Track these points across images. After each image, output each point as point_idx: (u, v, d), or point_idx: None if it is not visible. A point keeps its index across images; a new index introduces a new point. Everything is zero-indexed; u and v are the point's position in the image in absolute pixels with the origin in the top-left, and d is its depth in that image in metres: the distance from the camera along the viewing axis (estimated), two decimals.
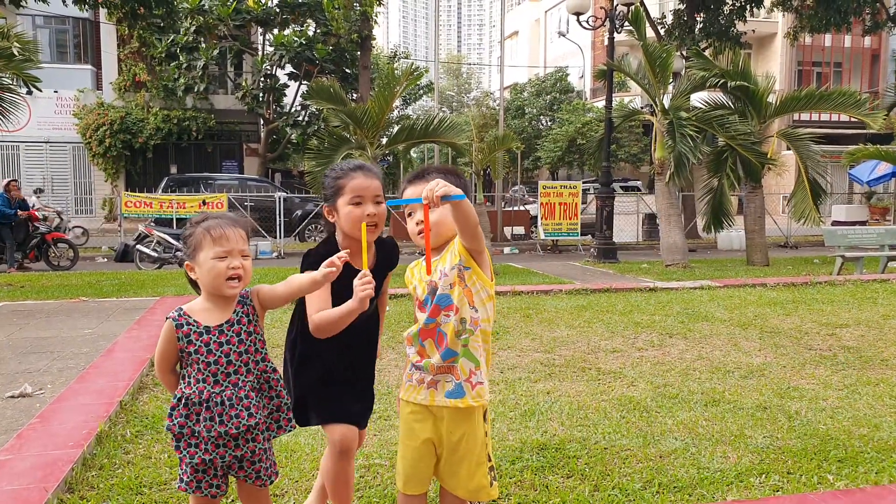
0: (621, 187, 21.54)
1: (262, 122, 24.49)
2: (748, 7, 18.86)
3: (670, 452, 3.17)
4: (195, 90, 22.94)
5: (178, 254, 11.87)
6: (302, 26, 23.63)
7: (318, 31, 23.39)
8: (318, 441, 3.30)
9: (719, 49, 18.70)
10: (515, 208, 20.66)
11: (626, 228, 18.36)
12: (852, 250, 11.36)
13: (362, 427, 2.40)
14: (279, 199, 16.23)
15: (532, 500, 2.73)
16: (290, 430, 2.16)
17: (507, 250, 16.42)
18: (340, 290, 2.09)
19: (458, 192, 1.90)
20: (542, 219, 16.34)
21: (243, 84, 23.48)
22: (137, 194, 15.93)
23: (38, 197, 18.25)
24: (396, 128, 14.05)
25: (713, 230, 13.24)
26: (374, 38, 23.05)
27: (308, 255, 2.29)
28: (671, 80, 12.78)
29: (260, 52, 24.05)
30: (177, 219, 14.90)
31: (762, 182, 12.48)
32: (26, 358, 4.90)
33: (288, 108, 24.35)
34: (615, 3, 13.64)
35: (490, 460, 2.15)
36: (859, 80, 31.43)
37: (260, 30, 24.21)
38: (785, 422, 3.59)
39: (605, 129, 14.16)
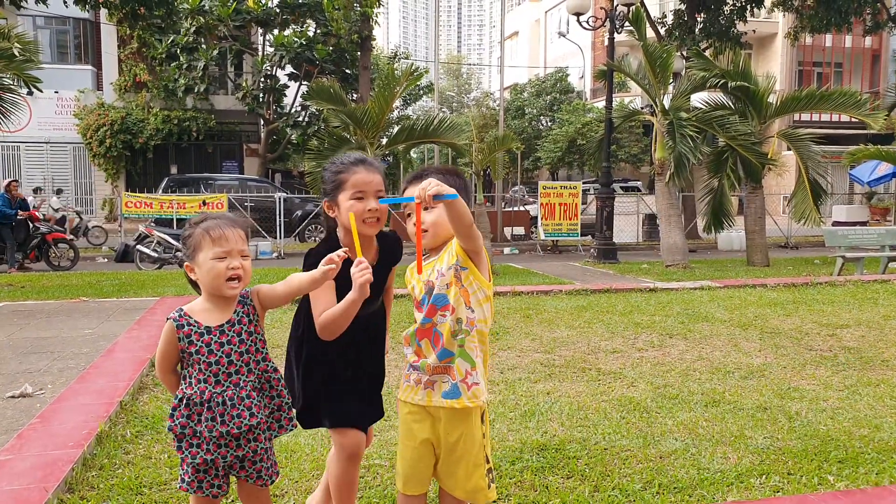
0: (621, 188, 21.55)
1: (262, 122, 24.51)
2: (748, 7, 18.86)
3: (670, 453, 3.17)
4: (195, 91, 22.95)
5: (178, 254, 11.87)
6: (302, 27, 23.65)
7: (319, 31, 23.41)
8: (318, 441, 3.30)
9: (720, 49, 18.71)
10: (515, 209, 20.66)
11: (626, 229, 18.36)
12: (853, 251, 11.36)
13: (366, 430, 2.37)
14: (279, 199, 16.23)
15: (532, 501, 2.73)
16: (290, 430, 2.16)
17: (507, 251, 16.42)
18: (343, 287, 2.06)
19: (451, 191, 1.89)
20: (542, 219, 16.34)
21: (243, 84, 23.49)
22: (138, 195, 15.95)
23: (59, 197, 18.44)
24: (396, 128, 14.07)
25: (713, 231, 13.24)
26: (375, 39, 23.07)
27: (309, 255, 2.26)
28: (671, 80, 12.78)
29: (260, 53, 24.07)
30: (177, 219, 14.91)
31: (762, 182, 12.48)
32: (27, 358, 4.91)
33: (288, 108, 24.37)
34: (615, 4, 13.65)
35: (488, 462, 2.15)
36: (860, 80, 31.42)
37: (260, 30, 24.23)
38: (785, 422, 3.59)
39: (605, 130, 14.16)
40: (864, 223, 22.27)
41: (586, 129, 27.73)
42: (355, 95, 20.73)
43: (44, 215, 17.70)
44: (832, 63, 32.12)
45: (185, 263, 2.06)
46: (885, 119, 12.50)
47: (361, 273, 1.97)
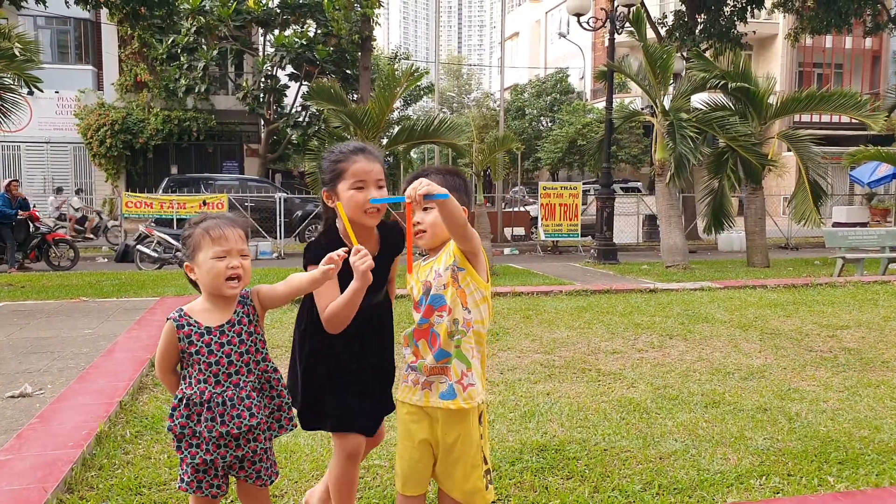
0: (622, 188, 21.55)
1: (262, 122, 24.50)
2: (749, 8, 18.86)
3: (670, 454, 3.17)
4: (196, 91, 22.96)
5: (178, 254, 11.88)
6: (302, 27, 23.65)
7: (319, 31, 23.41)
8: (317, 442, 3.30)
9: (720, 50, 18.71)
10: (516, 209, 20.67)
11: (626, 229, 18.36)
12: (853, 252, 11.35)
13: (371, 434, 2.33)
14: (279, 199, 16.23)
15: (532, 502, 2.72)
16: (290, 430, 2.16)
17: (507, 251, 16.42)
18: (346, 282, 2.04)
19: (443, 191, 1.87)
20: (542, 220, 16.34)
21: (244, 85, 23.50)
22: (138, 194, 15.96)
23: (80, 196, 18.56)
24: (397, 128, 14.06)
25: (713, 231, 13.24)
26: (375, 39, 23.04)
27: (309, 248, 2.24)
28: (672, 81, 12.78)
29: (260, 53, 24.07)
30: (177, 219, 14.92)
31: (763, 183, 12.48)
32: (26, 358, 4.91)
33: (288, 108, 24.37)
34: (616, 4, 13.64)
35: (487, 463, 2.14)
36: (860, 81, 31.43)
37: (260, 30, 24.23)
38: (785, 423, 3.58)
39: (605, 130, 14.16)
40: (864, 224, 22.25)
41: (586, 129, 27.74)
42: (356, 96, 20.73)
43: (64, 215, 17.92)
44: (832, 64, 32.13)
45: (185, 263, 2.06)
46: (885, 120, 12.49)
47: (362, 260, 1.95)
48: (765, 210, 12.84)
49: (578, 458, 3.12)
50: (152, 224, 13.69)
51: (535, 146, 32.42)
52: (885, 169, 18.85)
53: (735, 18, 18.80)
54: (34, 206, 13.16)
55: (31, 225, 12.51)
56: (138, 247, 12.34)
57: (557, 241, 16.87)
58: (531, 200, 22.09)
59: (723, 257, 15.10)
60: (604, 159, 13.93)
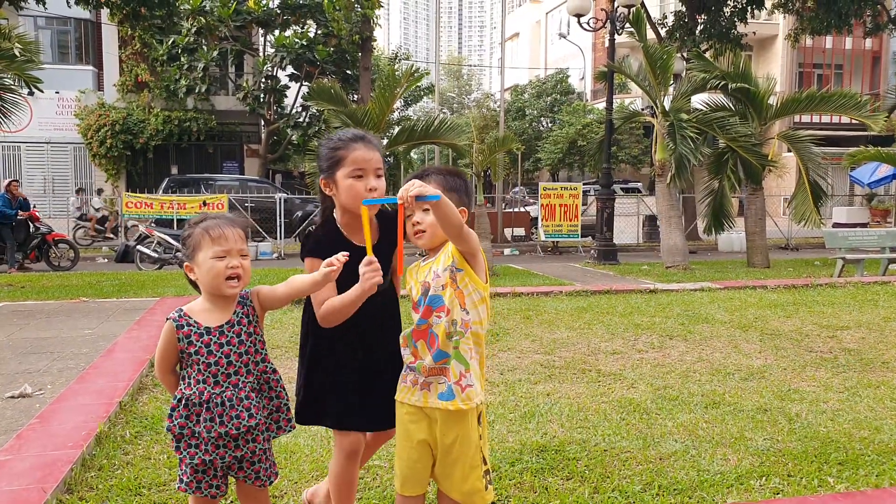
0: (622, 189, 21.56)
1: (262, 123, 24.51)
2: (749, 9, 18.87)
3: (670, 454, 3.17)
4: (196, 91, 22.97)
5: (178, 254, 11.88)
6: (303, 27, 23.66)
7: (319, 32, 23.42)
8: (317, 442, 3.30)
9: (720, 51, 18.72)
10: (516, 210, 20.67)
11: (626, 230, 18.36)
12: (853, 252, 11.35)
13: (382, 428, 2.30)
14: (279, 200, 16.24)
15: (531, 502, 2.72)
16: (289, 431, 2.16)
17: (507, 251, 16.42)
18: (346, 274, 2.01)
19: (435, 192, 1.87)
20: (542, 220, 16.34)
21: (244, 85, 23.51)
22: (138, 195, 15.97)
23: (100, 196, 18.70)
24: (397, 129, 14.04)
25: (714, 232, 13.24)
26: (375, 40, 23.07)
27: (308, 239, 2.22)
28: (672, 81, 12.78)
29: (261, 54, 24.08)
30: (177, 219, 14.92)
31: (763, 184, 12.48)
32: (26, 358, 4.90)
33: (289, 109, 24.38)
34: (616, 5, 13.65)
35: (486, 464, 2.14)
36: (860, 81, 31.43)
37: (261, 31, 24.24)
38: (785, 424, 3.58)
39: (605, 131, 14.16)
40: (864, 225, 22.26)
41: (587, 130, 27.75)
42: (356, 96, 20.74)
43: (85, 215, 18.07)
44: (832, 65, 32.14)
45: (185, 263, 2.06)
46: (885, 121, 12.49)
47: (371, 275, 1.94)
48: (765, 210, 12.84)
49: (578, 458, 3.11)
50: (152, 224, 13.70)
51: (535, 147, 32.43)
52: (885, 169, 18.85)
53: (735, 19, 18.81)
54: (34, 207, 13.17)
55: (31, 225, 12.51)
56: (138, 247, 12.35)
57: (557, 242, 16.87)
58: (531, 201, 22.10)
59: (723, 258, 15.10)
60: (604, 160, 13.93)
